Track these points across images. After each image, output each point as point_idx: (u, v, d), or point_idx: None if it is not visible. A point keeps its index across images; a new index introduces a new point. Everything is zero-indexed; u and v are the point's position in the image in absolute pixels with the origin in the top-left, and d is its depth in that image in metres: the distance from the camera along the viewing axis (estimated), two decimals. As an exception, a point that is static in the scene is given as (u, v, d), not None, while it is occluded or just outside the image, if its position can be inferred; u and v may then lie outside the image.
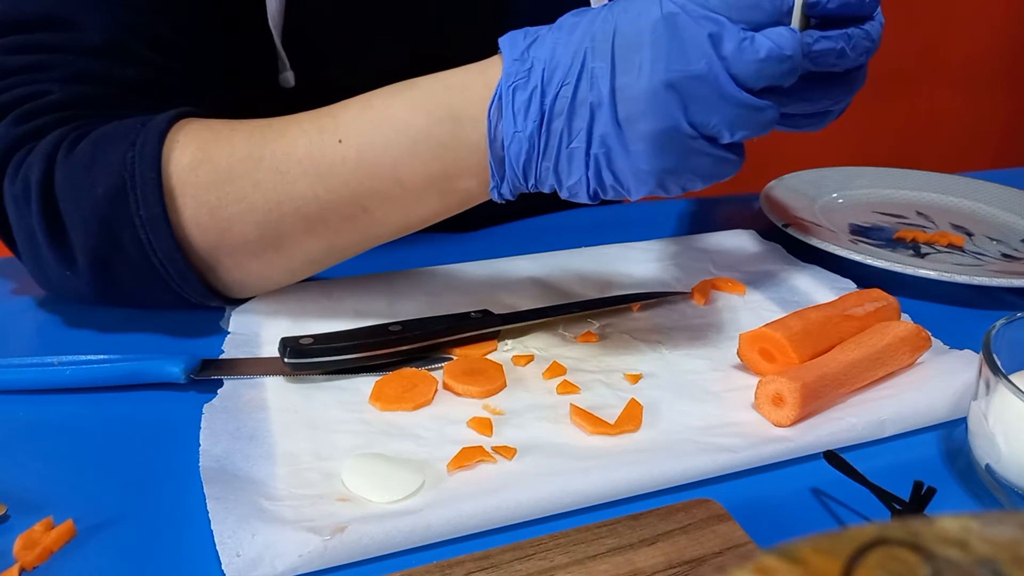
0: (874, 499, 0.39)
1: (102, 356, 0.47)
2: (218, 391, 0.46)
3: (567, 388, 0.48)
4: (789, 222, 0.67)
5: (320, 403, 0.46)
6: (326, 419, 0.45)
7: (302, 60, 0.61)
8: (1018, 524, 0.22)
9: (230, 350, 0.50)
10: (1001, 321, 0.43)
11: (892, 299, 0.53)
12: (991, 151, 2.00)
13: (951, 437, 0.46)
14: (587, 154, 0.44)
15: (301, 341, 0.47)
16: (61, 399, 0.46)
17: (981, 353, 0.41)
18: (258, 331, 0.52)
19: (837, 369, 0.46)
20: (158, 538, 0.37)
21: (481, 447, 0.42)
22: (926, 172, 0.82)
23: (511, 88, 0.44)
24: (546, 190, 0.47)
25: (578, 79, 0.43)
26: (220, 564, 0.35)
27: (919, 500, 0.38)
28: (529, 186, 0.46)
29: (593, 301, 0.56)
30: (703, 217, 0.75)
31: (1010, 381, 0.39)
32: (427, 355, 0.50)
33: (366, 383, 0.47)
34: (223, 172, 0.48)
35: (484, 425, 0.44)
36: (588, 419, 0.44)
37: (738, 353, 0.50)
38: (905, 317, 0.54)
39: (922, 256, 0.66)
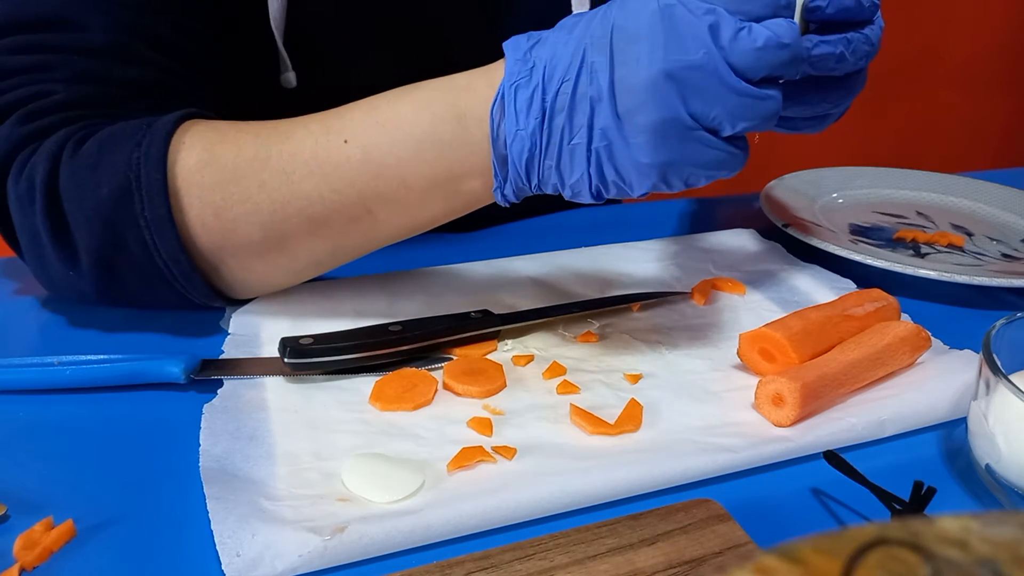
0: (874, 499, 0.39)
1: (102, 356, 0.47)
2: (218, 391, 0.46)
3: (567, 388, 0.48)
4: (789, 222, 0.67)
5: (320, 403, 0.46)
6: (326, 419, 0.45)
7: (304, 61, 0.61)
8: (1018, 524, 0.22)
9: (230, 350, 0.50)
10: (1001, 321, 0.43)
11: (892, 299, 0.53)
12: (991, 151, 2.00)
13: (951, 437, 0.46)
14: (588, 149, 0.44)
15: (301, 341, 0.47)
16: (61, 399, 0.46)
17: (981, 353, 0.41)
18: (258, 331, 0.52)
19: (837, 369, 0.46)
20: (158, 538, 0.37)
21: (481, 447, 0.42)
22: (926, 172, 0.82)
23: (513, 87, 0.44)
24: (549, 190, 0.47)
25: (578, 75, 0.43)
26: (220, 564, 0.35)
27: (919, 500, 0.38)
28: (532, 186, 0.46)
29: (593, 301, 0.56)
30: (703, 217, 0.75)
31: (1010, 381, 0.39)
32: (427, 355, 0.50)
33: (366, 383, 0.47)
34: (229, 173, 0.48)
35: (484, 425, 0.44)
36: (588, 419, 0.44)
37: (738, 353, 0.50)
38: (905, 317, 0.54)
39: (922, 256, 0.66)
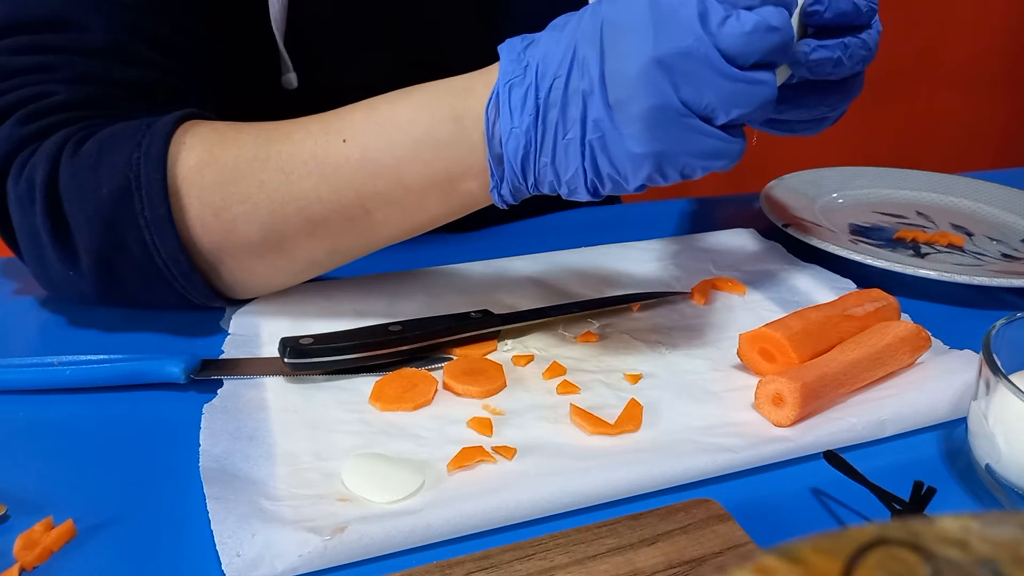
0: (874, 499, 0.39)
1: (102, 356, 0.47)
2: (218, 391, 0.46)
3: (567, 388, 0.48)
4: (789, 222, 0.67)
5: (320, 403, 0.46)
6: (326, 419, 0.45)
7: (304, 62, 0.61)
8: (1018, 524, 0.22)
9: (230, 350, 0.50)
10: (1001, 321, 0.43)
11: (892, 299, 0.53)
12: (991, 151, 2.00)
13: (951, 437, 0.46)
14: (582, 143, 0.43)
15: (301, 341, 0.47)
16: (61, 399, 0.46)
17: (981, 353, 0.41)
18: (258, 331, 0.52)
19: (837, 369, 0.46)
20: (158, 538, 0.37)
21: (481, 447, 0.42)
22: (926, 172, 0.82)
23: (508, 86, 0.44)
24: (545, 189, 0.46)
25: (569, 70, 0.43)
26: (220, 564, 0.35)
27: (919, 500, 0.38)
28: (528, 185, 0.46)
29: (593, 301, 0.56)
30: (703, 217, 0.75)
31: (1010, 381, 0.39)
32: (427, 355, 0.50)
33: (366, 383, 0.47)
34: (229, 173, 0.48)
35: (484, 425, 0.44)
36: (588, 419, 0.44)
37: (738, 353, 0.50)
38: (905, 317, 0.54)
39: (922, 256, 0.66)
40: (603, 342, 0.53)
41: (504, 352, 0.52)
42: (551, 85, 0.43)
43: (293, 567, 0.35)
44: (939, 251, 0.67)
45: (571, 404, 0.46)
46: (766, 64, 0.42)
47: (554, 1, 0.55)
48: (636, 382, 0.49)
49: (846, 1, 0.46)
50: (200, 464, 0.40)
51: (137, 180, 0.47)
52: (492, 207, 0.49)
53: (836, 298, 0.54)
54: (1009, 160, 1.96)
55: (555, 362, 0.50)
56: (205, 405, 0.44)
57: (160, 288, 0.50)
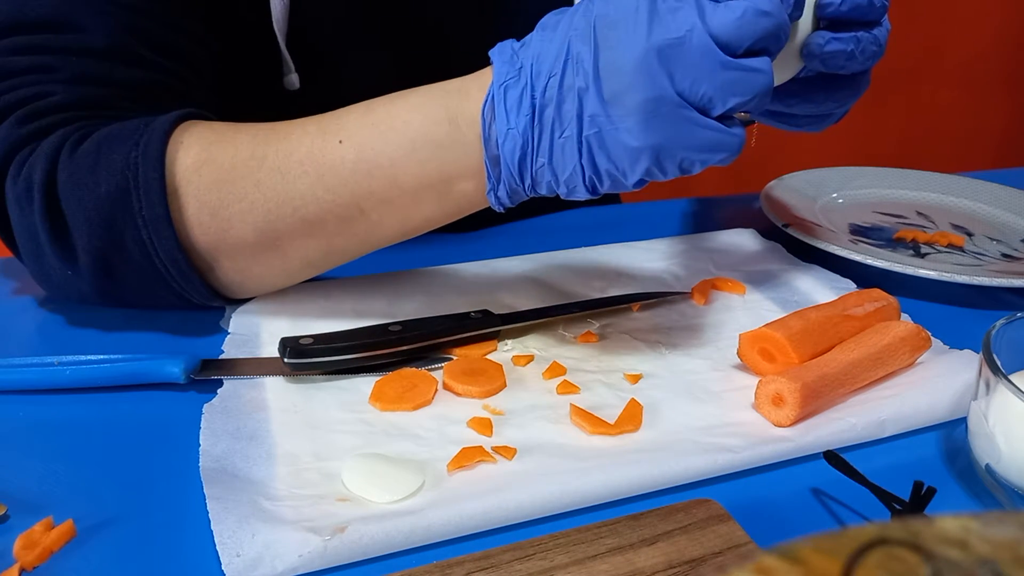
0: (874, 499, 0.39)
1: (102, 356, 0.47)
2: (218, 391, 0.46)
3: (567, 388, 0.48)
4: (789, 222, 0.67)
5: (320, 403, 0.46)
6: (326, 419, 0.45)
7: (307, 63, 0.61)
8: (1018, 524, 0.22)
9: (230, 350, 0.50)
10: (1001, 321, 0.43)
11: (892, 299, 0.53)
12: (991, 151, 2.00)
13: (951, 437, 0.46)
14: (579, 140, 0.43)
15: (301, 341, 0.47)
16: (61, 399, 0.46)
17: (981, 353, 0.41)
18: (258, 331, 0.52)
19: (837, 369, 0.46)
20: (158, 538, 0.37)
21: (481, 447, 0.42)
22: (926, 172, 0.82)
23: (503, 87, 0.44)
24: (543, 190, 0.46)
25: (564, 67, 0.43)
26: (220, 564, 0.35)
27: (919, 500, 0.38)
28: (526, 187, 0.46)
29: (593, 301, 0.56)
30: (703, 217, 0.75)
31: (1010, 381, 0.39)
32: (427, 355, 0.50)
33: (366, 383, 0.47)
34: (226, 172, 0.48)
35: (484, 425, 0.44)
36: (588, 419, 0.44)
37: (738, 353, 0.50)
38: (905, 317, 0.54)
39: (922, 256, 0.66)
40: (603, 342, 0.53)
41: (504, 352, 0.52)
42: (546, 84, 0.43)
43: (293, 567, 0.35)
44: (939, 251, 0.67)
45: (571, 404, 0.46)
46: (761, 52, 0.42)
47: (555, 2, 0.55)
48: (636, 382, 0.49)
49: None
50: (200, 464, 0.40)
51: (135, 180, 0.47)
52: (491, 208, 0.49)
53: (836, 298, 0.54)
54: (1009, 160, 1.96)
55: (555, 362, 0.50)
56: (205, 405, 0.44)
57: (158, 288, 0.50)
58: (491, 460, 0.42)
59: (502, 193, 0.47)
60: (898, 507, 0.38)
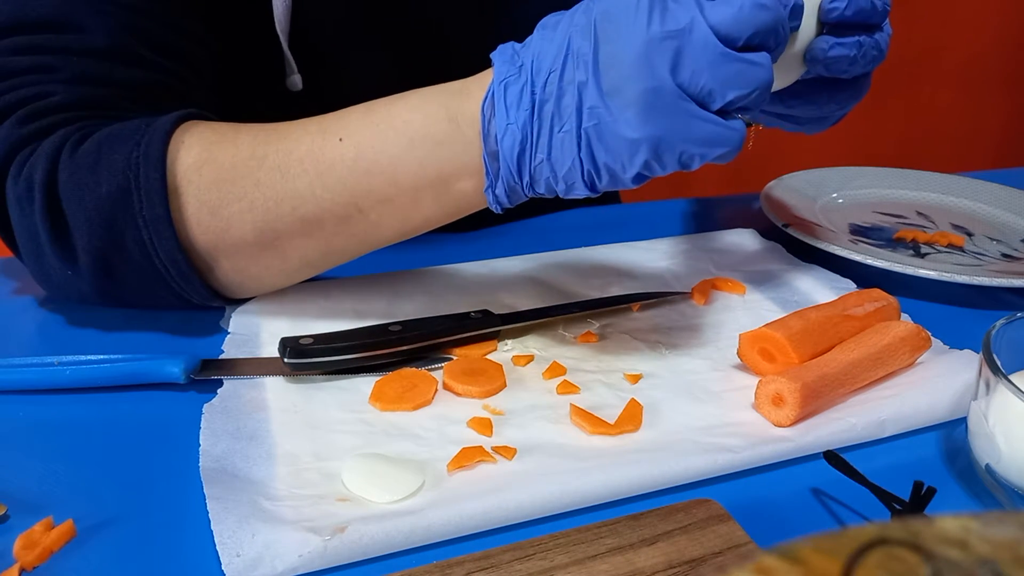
0: (874, 499, 0.39)
1: (102, 356, 0.47)
2: (218, 391, 0.46)
3: (567, 388, 0.48)
4: (789, 222, 0.67)
5: (320, 403, 0.46)
6: (326, 419, 0.45)
7: (309, 64, 0.61)
8: (1018, 524, 0.22)
9: (230, 350, 0.50)
10: (1001, 321, 0.43)
11: (892, 299, 0.53)
12: (991, 151, 2.00)
13: (951, 437, 0.46)
14: (578, 133, 0.43)
15: (301, 341, 0.47)
16: (61, 399, 0.46)
17: (981, 353, 0.41)
18: (258, 331, 0.52)
19: (837, 369, 0.46)
20: (158, 538, 0.37)
21: (481, 447, 0.42)
22: (926, 172, 0.82)
23: (503, 84, 0.44)
24: (542, 188, 0.46)
25: (564, 62, 0.43)
26: (220, 564, 0.35)
27: (919, 500, 0.38)
28: (524, 184, 0.46)
29: (593, 301, 0.56)
30: (703, 217, 0.75)
31: (1010, 381, 0.39)
32: (427, 355, 0.50)
33: (366, 383, 0.47)
34: (227, 171, 0.48)
35: (484, 425, 0.44)
36: (588, 419, 0.44)
37: (738, 353, 0.50)
38: (905, 317, 0.54)
39: (922, 256, 0.66)
40: (603, 342, 0.53)
41: (504, 352, 0.52)
42: (546, 79, 0.43)
43: (293, 567, 0.35)
44: (939, 251, 0.67)
45: (571, 404, 0.46)
46: (760, 46, 0.42)
47: (556, 2, 0.55)
48: (636, 382, 0.49)
49: None
50: (200, 464, 0.40)
51: (136, 180, 0.47)
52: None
53: (836, 298, 0.54)
54: (1009, 160, 1.96)
55: (555, 362, 0.50)
56: (205, 405, 0.44)
57: (158, 288, 0.50)
58: (491, 460, 0.42)
59: (500, 191, 0.47)
60: (898, 507, 0.38)
